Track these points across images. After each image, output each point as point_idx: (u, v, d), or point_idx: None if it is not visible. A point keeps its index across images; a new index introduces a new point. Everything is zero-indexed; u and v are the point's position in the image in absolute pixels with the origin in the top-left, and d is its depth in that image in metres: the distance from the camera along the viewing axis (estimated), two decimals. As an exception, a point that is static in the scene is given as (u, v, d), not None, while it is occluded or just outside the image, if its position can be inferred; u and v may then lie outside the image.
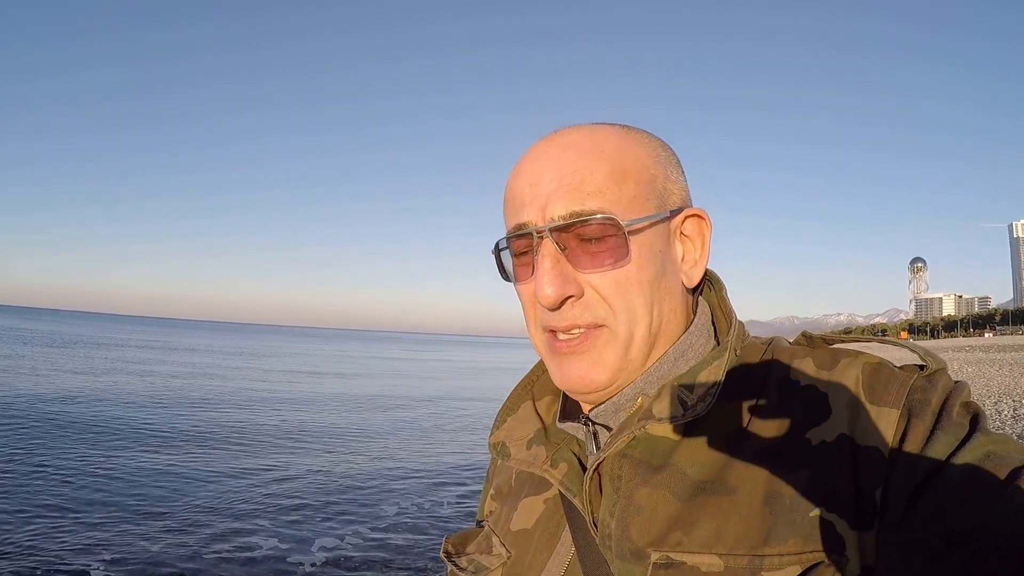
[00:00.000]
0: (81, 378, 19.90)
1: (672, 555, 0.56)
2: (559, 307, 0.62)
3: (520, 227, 0.63)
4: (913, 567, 0.49)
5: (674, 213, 0.65)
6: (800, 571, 0.52)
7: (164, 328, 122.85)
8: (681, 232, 0.67)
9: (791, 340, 0.68)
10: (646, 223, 0.62)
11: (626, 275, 0.61)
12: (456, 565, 0.75)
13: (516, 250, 0.66)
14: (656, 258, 0.63)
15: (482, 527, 0.79)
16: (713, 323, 0.70)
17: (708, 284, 0.72)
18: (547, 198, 0.61)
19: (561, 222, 0.60)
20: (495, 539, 0.73)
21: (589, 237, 0.60)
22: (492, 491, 0.81)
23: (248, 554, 5.92)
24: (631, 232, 0.61)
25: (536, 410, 0.75)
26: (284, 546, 6.19)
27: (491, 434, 0.75)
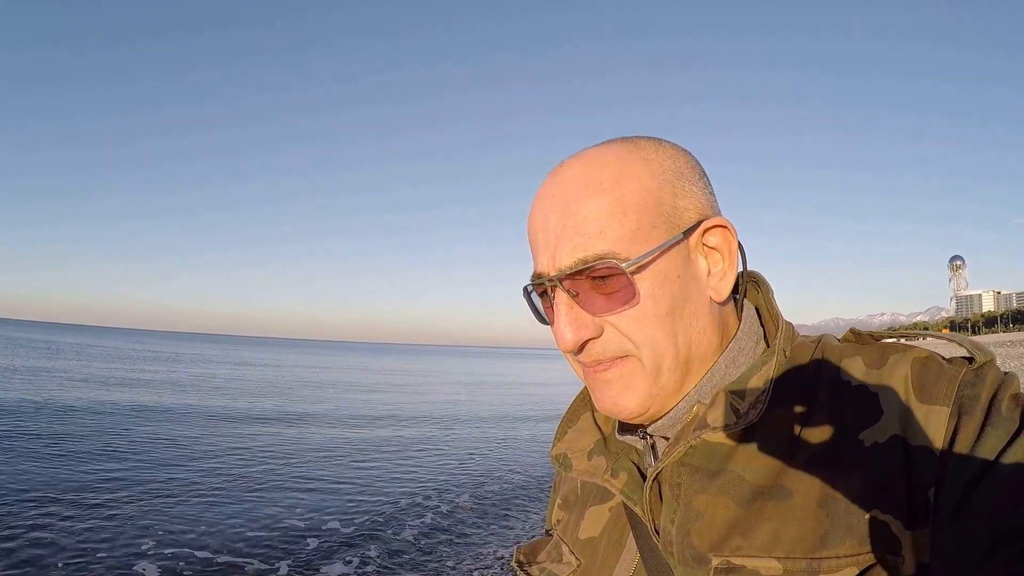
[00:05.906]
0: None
1: (733, 559, 0.57)
2: (580, 350, 0.65)
3: (537, 276, 0.66)
4: (966, 564, 0.49)
5: (690, 231, 0.64)
6: (857, 572, 0.53)
7: (239, 345, 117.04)
8: (705, 245, 0.66)
9: (839, 337, 0.68)
10: (655, 254, 0.61)
11: (641, 312, 0.61)
12: (528, 574, 0.77)
13: (540, 294, 0.69)
14: (671, 286, 0.63)
15: (551, 536, 0.81)
16: (762, 324, 0.70)
17: (754, 285, 0.73)
18: (555, 246, 0.63)
19: (568, 271, 0.62)
20: (564, 547, 0.76)
21: (598, 279, 0.62)
22: (559, 501, 0.83)
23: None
24: (638, 270, 0.61)
25: (595, 421, 0.76)
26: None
27: (552, 447, 0.77)
